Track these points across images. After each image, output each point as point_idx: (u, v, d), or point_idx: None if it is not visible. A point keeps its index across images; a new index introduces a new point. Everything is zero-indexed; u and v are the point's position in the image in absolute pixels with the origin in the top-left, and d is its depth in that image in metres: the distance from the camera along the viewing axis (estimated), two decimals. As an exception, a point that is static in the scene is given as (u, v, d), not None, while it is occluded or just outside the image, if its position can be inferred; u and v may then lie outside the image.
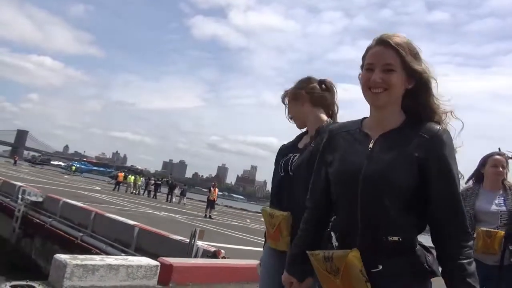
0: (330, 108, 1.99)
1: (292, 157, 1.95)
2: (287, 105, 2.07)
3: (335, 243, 1.37)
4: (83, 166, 64.28)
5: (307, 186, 1.60)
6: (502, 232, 3.01)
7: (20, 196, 12.46)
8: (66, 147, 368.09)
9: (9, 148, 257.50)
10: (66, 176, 39.77)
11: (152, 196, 30.41)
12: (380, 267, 1.25)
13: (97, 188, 27.92)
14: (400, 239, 1.25)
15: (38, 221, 11.58)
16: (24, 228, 12.28)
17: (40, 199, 12.42)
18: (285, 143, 2.12)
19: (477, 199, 3.17)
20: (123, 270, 4.36)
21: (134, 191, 31.53)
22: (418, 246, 1.28)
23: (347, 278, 1.26)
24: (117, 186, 30.96)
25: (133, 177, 33.27)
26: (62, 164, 67.58)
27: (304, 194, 1.62)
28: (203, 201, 27.16)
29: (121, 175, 34.20)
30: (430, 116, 1.36)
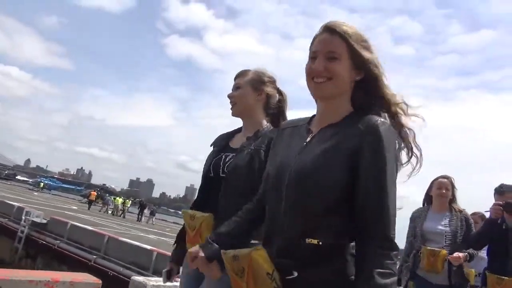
0: (274, 119, 1.87)
1: (224, 157, 1.80)
2: (236, 83, 1.89)
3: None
4: (51, 183, 62.64)
5: (244, 191, 1.57)
6: (445, 251, 3.15)
7: (23, 218, 12.82)
8: (28, 161, 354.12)
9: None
10: (35, 193, 38.89)
11: (120, 215, 30.52)
12: (295, 274, 1.10)
13: (74, 207, 27.86)
14: (320, 242, 1.09)
15: (43, 242, 11.99)
16: (26, 249, 12.63)
17: (44, 221, 12.83)
18: (218, 137, 1.97)
19: (425, 220, 3.36)
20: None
21: (110, 212, 31.56)
22: (348, 256, 1.12)
23: (252, 280, 1.13)
24: (90, 205, 30.94)
25: (121, 199, 33.40)
26: (30, 180, 65.48)
27: (237, 198, 1.56)
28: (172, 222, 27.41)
29: (93, 194, 34.29)
30: (381, 110, 1.23)
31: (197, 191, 1.91)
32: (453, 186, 3.40)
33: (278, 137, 1.38)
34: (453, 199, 3.38)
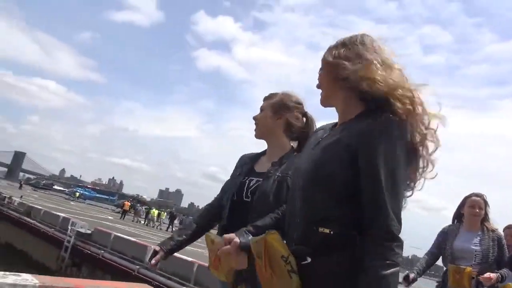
0: (300, 140, 1.87)
1: (248, 182, 1.80)
2: (261, 106, 1.92)
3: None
4: (86, 193, 64.59)
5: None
6: (470, 269, 3.10)
7: (69, 228, 13.60)
8: (63, 170, 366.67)
9: (5, 169, 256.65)
10: (72, 203, 40.55)
11: (155, 226, 31.37)
12: (309, 259, 1.17)
13: (110, 217, 28.91)
14: (332, 232, 1.15)
15: (88, 251, 12.68)
16: (72, 258, 13.37)
17: (89, 231, 13.56)
18: (246, 157, 1.96)
19: (456, 238, 3.29)
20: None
21: (143, 222, 32.53)
22: (356, 246, 1.14)
23: (268, 262, 1.19)
24: (124, 215, 32.22)
25: (156, 211, 34.56)
26: (66, 190, 67.86)
27: None
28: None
29: (127, 204, 35.72)
30: (384, 104, 1.19)
31: (224, 213, 1.85)
32: (486, 204, 3.34)
33: (307, 142, 1.46)
34: (485, 218, 3.33)
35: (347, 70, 1.25)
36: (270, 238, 1.19)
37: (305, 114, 1.89)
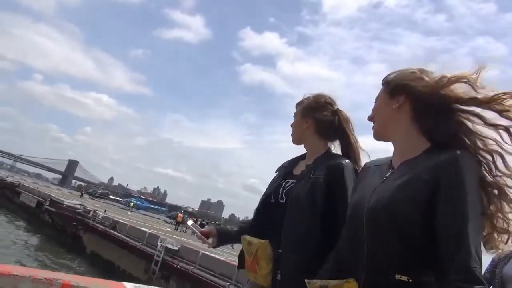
0: (339, 139, 1.84)
1: (284, 183, 1.81)
2: (294, 114, 1.92)
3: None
4: (139, 203, 67.56)
5: (304, 219, 1.60)
6: None
7: (159, 244, 15.26)
8: (111, 179, 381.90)
9: (59, 176, 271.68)
10: (129, 213, 42.95)
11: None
12: None
13: (169, 229, 30.80)
14: (410, 280, 1.05)
15: (178, 267, 14.21)
16: (160, 270, 14.98)
17: (176, 248, 15.14)
18: (284, 163, 1.96)
19: (507, 263, 2.82)
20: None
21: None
22: None
23: None
24: (177, 226, 34.56)
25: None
26: (122, 200, 71.23)
27: (297, 226, 1.61)
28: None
29: (180, 216, 38.09)
30: (453, 142, 1.16)
31: (253, 214, 1.91)
32: None
33: (360, 176, 1.41)
34: None
35: (423, 100, 1.21)
36: (347, 287, 1.13)
37: (336, 112, 1.84)
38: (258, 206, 1.88)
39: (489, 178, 1.16)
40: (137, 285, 2.63)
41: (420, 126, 1.23)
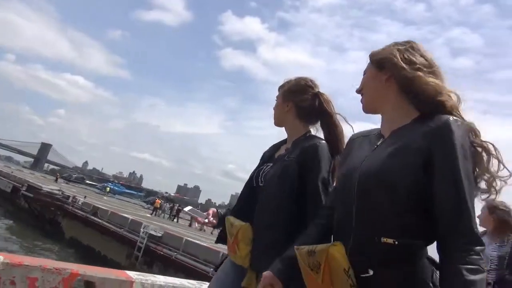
0: (321, 121, 1.84)
1: (264, 167, 1.85)
2: (276, 98, 1.93)
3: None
4: (116, 188, 66.50)
5: (277, 201, 1.65)
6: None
7: (142, 230, 15.38)
8: (86, 163, 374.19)
9: (31, 159, 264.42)
10: (105, 198, 42.33)
11: (173, 219, 34.34)
12: (371, 272, 1.09)
13: (148, 215, 30.81)
14: (396, 242, 1.07)
15: (161, 253, 14.40)
16: (143, 256, 15.14)
17: (159, 234, 15.30)
18: (268, 149, 1.99)
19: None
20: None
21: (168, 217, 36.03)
22: (424, 258, 1.11)
23: (328, 276, 1.14)
24: (155, 212, 34.99)
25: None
26: (98, 185, 70.02)
27: (271, 208, 1.66)
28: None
29: (158, 201, 38.50)
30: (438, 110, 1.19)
31: (237, 199, 1.95)
32: (509, 212, 3.25)
33: (347, 149, 1.41)
34: (509, 224, 3.23)
35: (408, 73, 1.22)
36: (334, 250, 1.14)
37: (316, 95, 1.84)
38: (242, 190, 1.92)
39: (477, 140, 1.18)
40: (138, 273, 2.76)
41: (408, 96, 1.25)
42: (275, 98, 1.94)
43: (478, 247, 1.03)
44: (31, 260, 2.24)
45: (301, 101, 1.83)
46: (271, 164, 1.82)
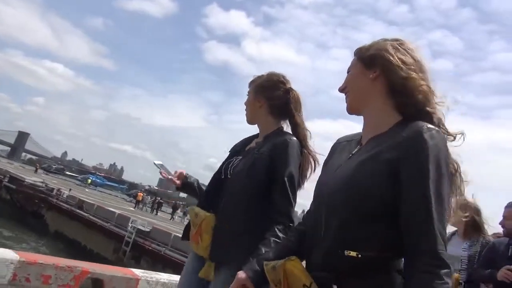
0: (289, 119, 1.84)
1: (234, 160, 1.83)
2: (247, 93, 1.92)
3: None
4: (97, 180, 65.75)
5: (242, 194, 1.66)
6: (456, 275, 3.00)
7: (130, 225, 15.40)
8: (65, 153, 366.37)
9: (8, 148, 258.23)
10: (87, 190, 41.98)
11: (154, 213, 34.76)
12: (335, 287, 1.06)
13: (131, 208, 30.73)
14: (360, 255, 1.04)
15: (149, 248, 14.47)
16: (131, 251, 15.19)
17: (148, 229, 15.35)
18: (238, 142, 1.99)
19: (448, 245, 3.02)
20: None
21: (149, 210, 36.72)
22: (393, 272, 1.07)
23: None
24: (137, 205, 35.00)
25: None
26: (79, 176, 69.08)
27: (236, 201, 1.67)
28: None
29: (140, 194, 38.46)
30: (422, 115, 1.13)
31: (204, 189, 1.96)
32: (477, 211, 3.21)
33: (330, 152, 1.37)
34: (478, 225, 3.20)
35: (403, 73, 1.14)
36: (290, 265, 1.13)
37: (288, 91, 1.84)
38: (209, 182, 1.91)
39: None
40: (143, 271, 2.93)
41: (394, 101, 1.17)
42: (247, 93, 1.93)
43: (442, 270, 0.97)
44: (45, 259, 2.37)
45: (273, 98, 1.83)
46: (241, 157, 1.82)
